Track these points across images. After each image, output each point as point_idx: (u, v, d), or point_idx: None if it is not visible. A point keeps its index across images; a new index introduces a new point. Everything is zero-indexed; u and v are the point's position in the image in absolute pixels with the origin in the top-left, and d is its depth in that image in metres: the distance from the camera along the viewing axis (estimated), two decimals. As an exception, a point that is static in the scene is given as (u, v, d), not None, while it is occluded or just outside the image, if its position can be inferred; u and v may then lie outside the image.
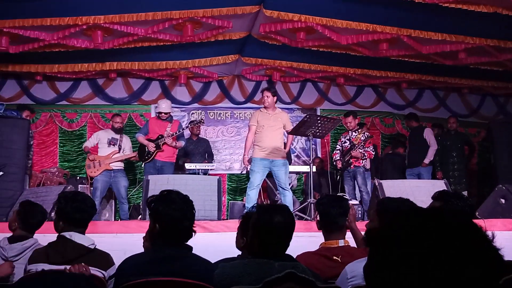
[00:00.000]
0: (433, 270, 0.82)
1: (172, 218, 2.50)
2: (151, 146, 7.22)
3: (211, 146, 9.02)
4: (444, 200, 2.90)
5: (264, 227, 2.31)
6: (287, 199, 6.29)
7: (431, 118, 10.23)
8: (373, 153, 7.63)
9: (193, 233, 2.61)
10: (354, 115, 7.75)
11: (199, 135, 8.81)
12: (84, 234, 3.01)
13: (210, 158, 8.58)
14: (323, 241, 3.03)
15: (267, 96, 6.47)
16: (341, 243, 2.92)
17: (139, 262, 2.55)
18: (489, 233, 0.89)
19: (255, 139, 6.49)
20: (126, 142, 7.76)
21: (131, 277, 2.39)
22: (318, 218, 3.11)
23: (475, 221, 0.91)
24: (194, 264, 2.53)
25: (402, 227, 0.89)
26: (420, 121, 8.68)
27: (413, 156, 8.28)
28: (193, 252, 2.65)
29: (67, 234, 2.92)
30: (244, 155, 6.58)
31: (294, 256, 2.66)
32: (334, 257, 2.81)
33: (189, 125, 8.14)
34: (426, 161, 8.12)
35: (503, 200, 6.01)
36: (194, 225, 2.61)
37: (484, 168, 9.97)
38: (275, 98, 6.59)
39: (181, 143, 7.40)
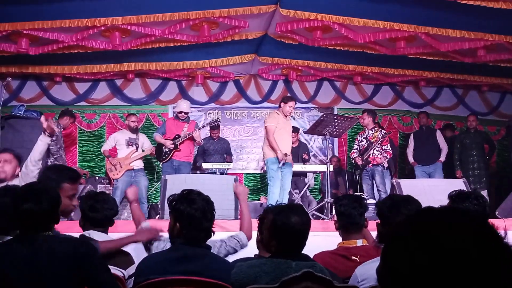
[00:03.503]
0: (445, 269, 0.82)
1: (192, 217, 2.52)
2: (168, 144, 7.28)
3: (229, 146, 9.04)
4: (459, 200, 2.88)
5: (281, 227, 2.32)
6: (285, 201, 6.38)
7: (450, 116, 10.11)
8: (391, 152, 7.57)
9: (212, 233, 2.63)
10: (369, 112, 7.71)
11: (219, 135, 8.84)
12: (106, 233, 3.06)
13: (229, 158, 8.61)
14: (340, 240, 3.03)
15: (293, 108, 6.84)
16: (359, 242, 2.92)
17: (159, 261, 2.58)
18: (502, 232, 0.89)
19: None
20: (144, 140, 7.80)
21: (150, 276, 2.42)
22: (335, 218, 3.10)
23: (493, 220, 0.91)
24: (212, 263, 2.56)
25: (414, 228, 0.89)
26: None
27: (425, 154, 8.27)
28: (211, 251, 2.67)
29: (86, 233, 2.98)
30: (278, 151, 6.47)
31: (312, 256, 2.66)
32: (353, 257, 2.80)
33: (206, 125, 8.18)
34: (442, 159, 8.21)
35: (523, 199, 5.91)
36: (213, 225, 2.63)
37: (503, 167, 9.83)
38: None
39: (200, 142, 7.50)
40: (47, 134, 3.65)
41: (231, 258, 3.20)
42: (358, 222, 2.97)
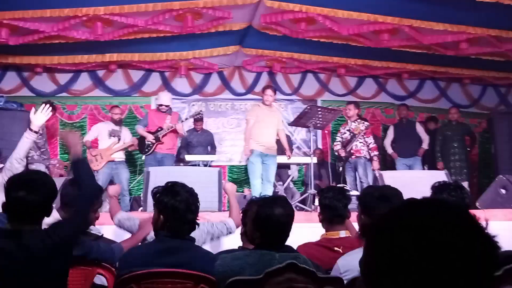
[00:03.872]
0: (427, 260, 0.82)
1: (176, 210, 2.52)
2: (150, 138, 7.22)
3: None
4: (441, 191, 2.90)
5: (264, 219, 2.32)
6: (269, 192, 6.37)
7: (432, 108, 10.20)
8: (375, 145, 7.61)
9: (197, 226, 2.63)
10: (355, 104, 7.76)
11: (202, 127, 8.79)
12: (93, 225, 3.11)
13: (213, 150, 8.58)
14: (324, 232, 3.04)
15: (270, 95, 6.71)
16: (342, 234, 2.93)
17: (142, 253, 2.57)
18: (483, 222, 0.90)
19: (252, 134, 6.62)
20: (126, 133, 7.74)
21: (133, 268, 2.40)
22: (319, 211, 3.10)
23: (474, 211, 0.92)
24: (196, 255, 2.55)
25: (400, 221, 0.89)
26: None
27: (406, 146, 8.34)
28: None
29: None
30: (245, 145, 6.67)
31: (295, 247, 2.67)
32: (336, 248, 2.82)
33: (189, 118, 8.14)
34: (424, 147, 8.32)
35: (503, 191, 6.02)
36: (197, 217, 2.63)
37: (484, 158, 9.97)
38: (275, 96, 6.94)
39: (183, 134, 7.47)
40: (33, 130, 3.57)
41: (215, 250, 3.21)
42: (342, 214, 2.99)
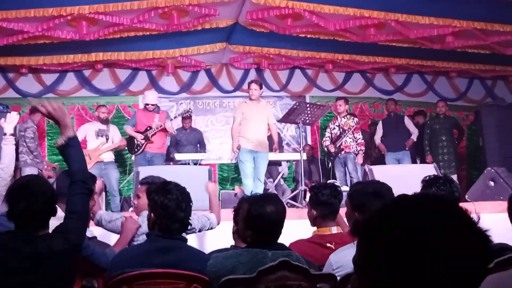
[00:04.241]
0: (420, 256, 0.82)
1: (166, 208, 2.52)
2: (139, 138, 7.17)
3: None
4: (431, 185, 2.91)
5: (256, 217, 2.31)
6: (260, 190, 6.33)
7: (420, 102, 10.25)
8: (363, 141, 7.63)
9: (190, 225, 2.62)
10: (345, 100, 7.77)
11: (191, 125, 8.75)
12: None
13: (202, 148, 8.53)
14: (316, 228, 3.03)
15: (255, 89, 6.55)
16: (334, 230, 2.93)
17: (134, 254, 2.56)
18: (474, 215, 0.90)
19: (240, 131, 6.53)
20: (114, 132, 7.66)
21: (125, 269, 2.39)
22: (310, 207, 3.07)
23: (464, 204, 0.92)
24: (188, 255, 2.54)
25: (388, 216, 0.89)
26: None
27: (395, 140, 8.34)
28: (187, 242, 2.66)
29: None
30: (233, 143, 6.60)
31: (287, 244, 2.66)
32: (328, 244, 2.81)
33: (178, 116, 8.10)
34: (414, 138, 8.29)
35: (492, 183, 6.07)
36: (190, 217, 2.62)
37: (472, 151, 10.05)
38: (262, 90, 6.70)
39: (172, 132, 7.42)
40: (7, 134, 3.54)
41: (206, 249, 3.20)
42: (337, 210, 2.98)
